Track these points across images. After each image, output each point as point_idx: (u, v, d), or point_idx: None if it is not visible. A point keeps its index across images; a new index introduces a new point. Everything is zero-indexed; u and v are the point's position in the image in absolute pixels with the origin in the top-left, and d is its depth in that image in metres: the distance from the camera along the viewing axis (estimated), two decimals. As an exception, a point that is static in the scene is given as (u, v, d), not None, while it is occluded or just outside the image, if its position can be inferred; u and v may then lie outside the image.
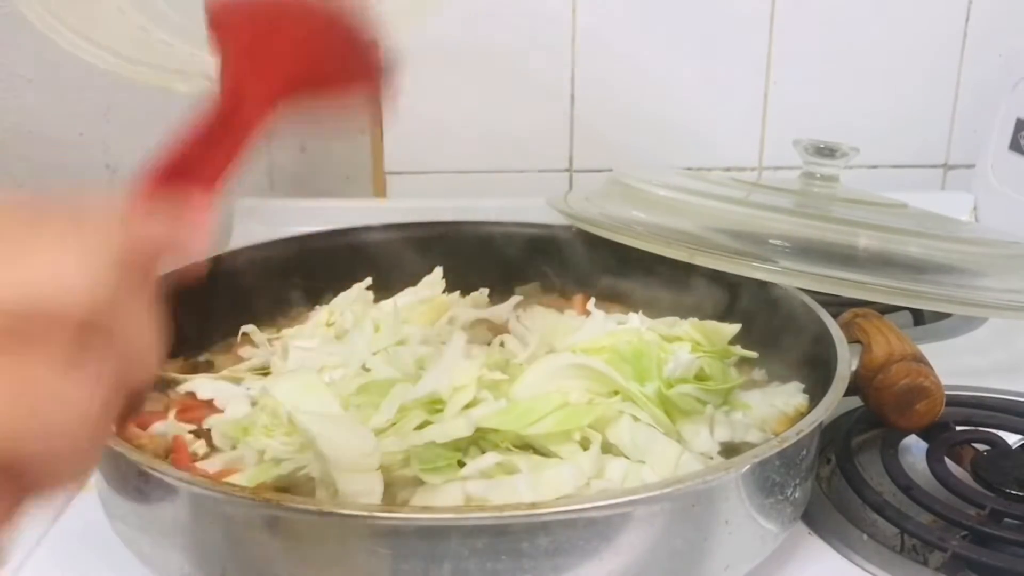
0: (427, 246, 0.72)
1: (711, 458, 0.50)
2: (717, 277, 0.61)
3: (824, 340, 0.54)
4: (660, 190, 0.69)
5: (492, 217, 0.75)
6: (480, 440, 0.47)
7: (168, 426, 0.54)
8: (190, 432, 0.54)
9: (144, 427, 0.54)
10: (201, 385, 0.58)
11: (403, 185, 0.97)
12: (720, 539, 0.43)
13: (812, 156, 0.72)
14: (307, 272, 0.69)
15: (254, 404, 0.54)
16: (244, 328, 0.64)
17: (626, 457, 0.48)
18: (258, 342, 0.64)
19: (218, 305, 0.64)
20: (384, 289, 0.68)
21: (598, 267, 0.71)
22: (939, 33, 0.97)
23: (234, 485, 0.41)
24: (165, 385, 0.59)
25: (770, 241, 0.62)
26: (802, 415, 0.52)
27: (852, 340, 0.56)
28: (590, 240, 0.69)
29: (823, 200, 0.70)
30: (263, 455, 0.47)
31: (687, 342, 0.56)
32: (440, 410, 0.48)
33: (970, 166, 1.00)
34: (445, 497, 0.44)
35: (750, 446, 0.50)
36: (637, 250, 0.63)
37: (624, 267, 0.68)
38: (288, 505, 0.38)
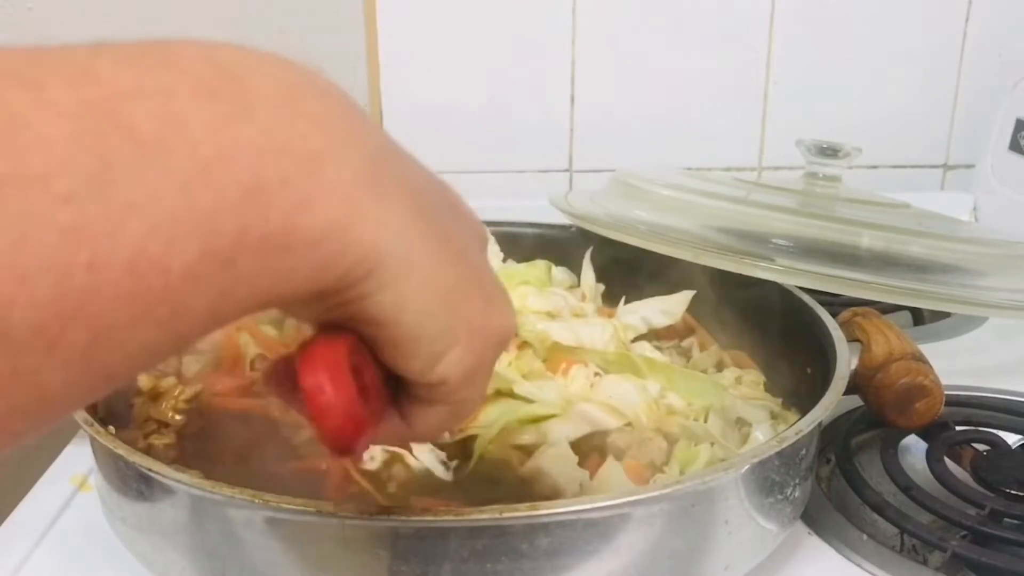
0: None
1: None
2: (717, 275, 0.61)
3: (823, 339, 0.54)
4: (664, 190, 0.68)
5: (492, 217, 0.74)
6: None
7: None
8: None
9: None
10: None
11: (403, 185, 0.97)
12: (719, 539, 0.43)
13: (815, 156, 0.72)
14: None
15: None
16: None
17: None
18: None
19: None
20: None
21: (599, 267, 0.70)
22: (939, 34, 0.96)
23: (234, 487, 0.40)
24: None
25: (774, 240, 0.62)
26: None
27: (851, 339, 0.56)
28: (591, 240, 0.69)
29: (826, 200, 0.70)
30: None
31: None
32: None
33: (970, 166, 1.00)
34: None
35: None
36: (638, 249, 0.63)
37: (624, 266, 0.68)
38: (288, 507, 0.38)
